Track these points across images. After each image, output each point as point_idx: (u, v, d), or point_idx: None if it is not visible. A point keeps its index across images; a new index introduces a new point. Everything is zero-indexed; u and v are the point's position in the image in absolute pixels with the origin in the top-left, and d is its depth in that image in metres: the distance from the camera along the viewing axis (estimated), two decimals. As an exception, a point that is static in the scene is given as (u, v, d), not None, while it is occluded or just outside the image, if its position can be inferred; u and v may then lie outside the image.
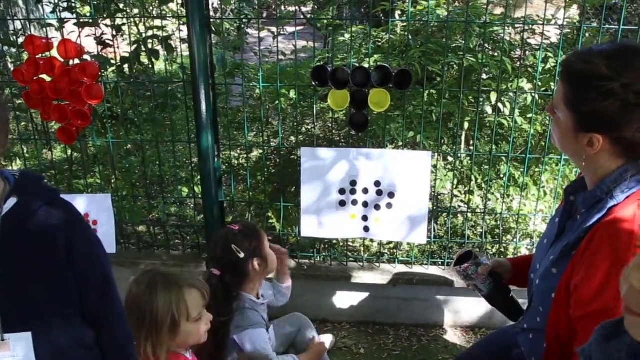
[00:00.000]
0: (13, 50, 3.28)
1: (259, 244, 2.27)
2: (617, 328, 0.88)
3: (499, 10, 4.13)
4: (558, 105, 1.45)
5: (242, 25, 3.95)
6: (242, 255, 2.20)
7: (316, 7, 4.66)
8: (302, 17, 4.74)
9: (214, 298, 1.89)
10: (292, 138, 3.48)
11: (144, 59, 3.28)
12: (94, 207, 2.94)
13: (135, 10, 3.60)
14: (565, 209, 1.59)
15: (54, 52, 2.79)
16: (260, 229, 2.35)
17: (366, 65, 2.71)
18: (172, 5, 3.46)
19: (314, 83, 2.61)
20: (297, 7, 4.91)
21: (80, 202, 2.95)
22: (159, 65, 3.81)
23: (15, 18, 3.19)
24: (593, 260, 1.37)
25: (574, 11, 4.67)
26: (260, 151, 3.64)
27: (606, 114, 1.34)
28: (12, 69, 3.55)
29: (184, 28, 2.94)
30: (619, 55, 1.34)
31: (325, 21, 4.22)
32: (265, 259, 2.31)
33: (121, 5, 3.25)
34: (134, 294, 1.68)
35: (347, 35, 3.40)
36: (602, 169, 1.44)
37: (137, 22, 3.24)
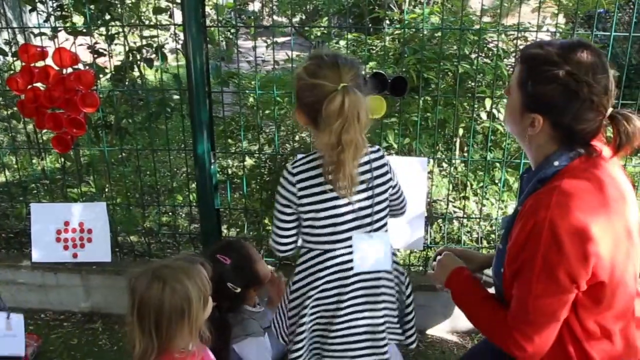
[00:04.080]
0: (1, 60, 3.26)
1: (254, 274, 2.25)
2: None
3: (486, 19, 4.19)
4: (512, 85, 1.57)
5: (232, 35, 3.97)
6: (238, 290, 2.18)
7: (304, 17, 4.69)
8: (296, 27, 4.76)
9: (211, 322, 1.86)
10: (287, 145, 3.49)
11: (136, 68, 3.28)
12: (89, 216, 2.93)
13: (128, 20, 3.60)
14: (520, 194, 1.73)
15: (48, 61, 2.79)
16: (251, 250, 2.30)
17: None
18: (163, 15, 3.47)
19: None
20: (288, 18, 4.93)
21: (75, 211, 2.93)
22: (149, 75, 3.81)
23: (10, 27, 3.17)
24: (522, 225, 1.49)
25: (559, 20, 4.74)
26: (255, 159, 3.64)
27: (548, 97, 1.47)
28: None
29: (173, 38, 2.97)
30: (571, 47, 1.46)
31: (316, 31, 4.26)
32: (262, 282, 2.29)
33: (114, 15, 3.24)
34: (159, 299, 1.57)
35: (342, 42, 3.41)
36: (540, 152, 1.57)
37: (129, 31, 3.23)
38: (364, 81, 1.76)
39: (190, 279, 1.63)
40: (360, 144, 1.68)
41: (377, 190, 1.84)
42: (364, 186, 1.81)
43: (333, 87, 1.65)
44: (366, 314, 1.88)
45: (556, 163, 1.51)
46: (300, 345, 1.87)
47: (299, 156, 1.86)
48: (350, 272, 1.84)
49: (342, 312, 1.85)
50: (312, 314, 1.87)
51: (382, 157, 1.87)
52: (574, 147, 1.51)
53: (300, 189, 1.78)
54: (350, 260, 1.83)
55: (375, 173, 1.84)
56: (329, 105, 1.63)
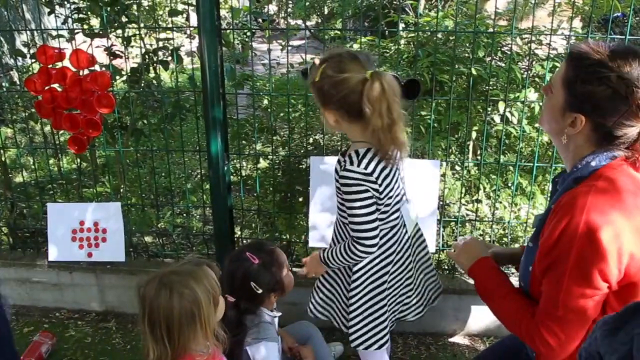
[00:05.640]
0: (20, 62, 3.31)
1: (278, 280, 2.24)
2: (621, 321, 0.89)
3: (502, 23, 4.17)
4: (555, 83, 1.56)
5: (248, 38, 3.98)
6: (260, 291, 2.19)
7: (320, 20, 4.69)
8: (310, 29, 4.78)
9: (227, 321, 1.87)
10: (301, 147, 3.50)
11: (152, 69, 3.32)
12: (104, 216, 2.96)
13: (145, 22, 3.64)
14: (553, 196, 1.73)
15: (66, 62, 2.83)
16: (281, 256, 2.30)
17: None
18: (179, 18, 3.51)
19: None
20: (302, 20, 4.95)
21: (91, 211, 2.97)
22: (165, 77, 3.87)
23: (28, 29, 3.22)
24: (556, 221, 1.49)
25: (576, 23, 4.71)
26: (268, 161, 3.66)
27: (596, 98, 1.46)
28: (16, 79, 3.59)
29: (190, 40, 3.00)
30: (623, 53, 1.46)
31: (332, 33, 4.27)
32: (284, 289, 2.30)
33: (131, 17, 3.28)
34: (168, 306, 1.58)
35: (355, 46, 3.42)
36: (578, 152, 1.56)
37: (145, 34, 3.27)
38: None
39: (198, 281, 1.64)
40: (403, 118, 1.87)
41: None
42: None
43: (361, 76, 1.76)
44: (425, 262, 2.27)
45: (594, 163, 1.51)
46: (384, 317, 2.11)
47: (350, 159, 1.89)
48: (406, 236, 2.12)
49: (412, 272, 2.16)
50: (391, 286, 2.11)
51: None
52: (612, 149, 1.52)
53: (380, 182, 1.90)
54: (404, 226, 2.11)
55: None
56: (370, 92, 1.75)
